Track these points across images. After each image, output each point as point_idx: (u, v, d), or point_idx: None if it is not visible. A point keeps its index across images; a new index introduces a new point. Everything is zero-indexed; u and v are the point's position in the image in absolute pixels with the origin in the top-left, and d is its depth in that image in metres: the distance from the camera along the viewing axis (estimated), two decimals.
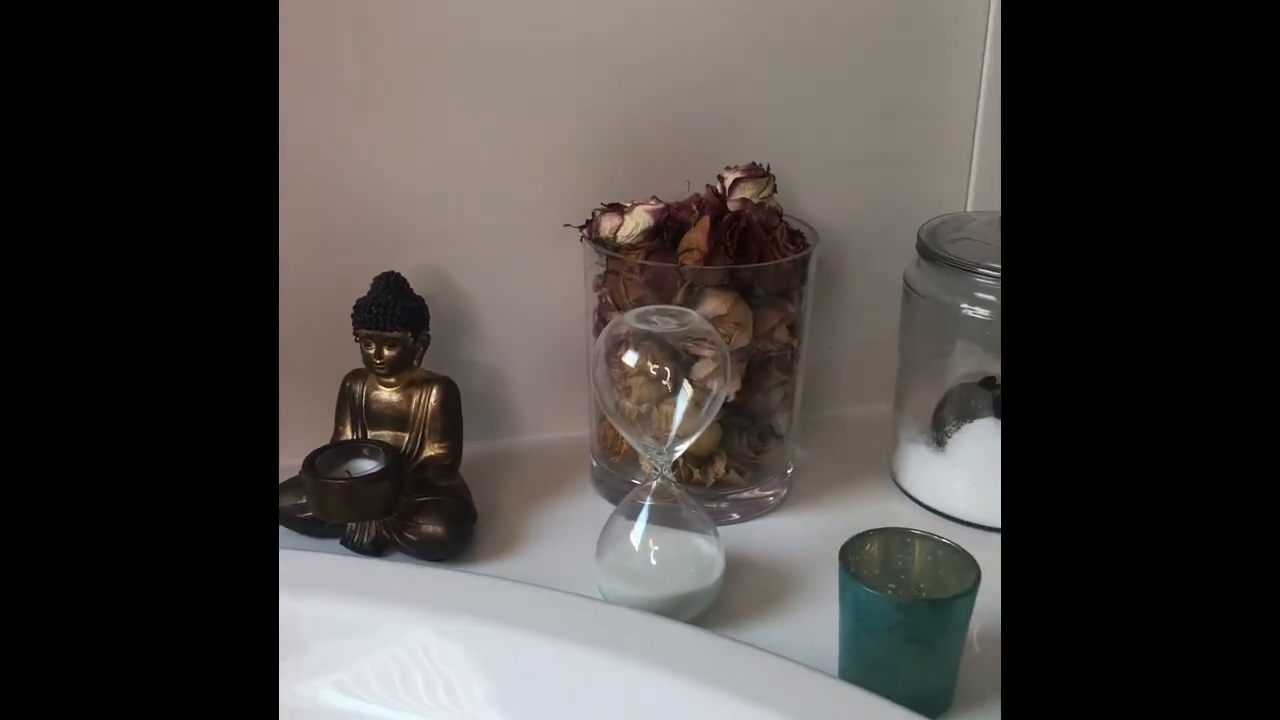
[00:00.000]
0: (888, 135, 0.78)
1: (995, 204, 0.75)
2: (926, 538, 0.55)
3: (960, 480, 0.70)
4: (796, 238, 0.69)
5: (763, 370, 0.69)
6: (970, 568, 0.53)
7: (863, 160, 0.78)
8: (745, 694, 0.51)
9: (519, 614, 0.56)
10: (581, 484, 0.74)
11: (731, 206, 0.67)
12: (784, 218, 0.70)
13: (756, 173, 0.69)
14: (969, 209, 0.80)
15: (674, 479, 0.62)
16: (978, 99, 0.79)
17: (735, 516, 0.70)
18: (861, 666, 0.53)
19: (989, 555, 0.67)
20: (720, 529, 0.64)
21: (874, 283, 0.79)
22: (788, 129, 0.76)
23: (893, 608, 0.51)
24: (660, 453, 0.61)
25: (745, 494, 0.71)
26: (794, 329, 0.69)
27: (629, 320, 0.58)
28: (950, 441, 0.70)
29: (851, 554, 0.54)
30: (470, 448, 0.70)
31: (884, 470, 0.76)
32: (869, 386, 0.81)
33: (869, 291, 0.80)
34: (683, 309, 0.60)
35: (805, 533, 0.70)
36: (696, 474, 0.69)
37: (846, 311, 0.81)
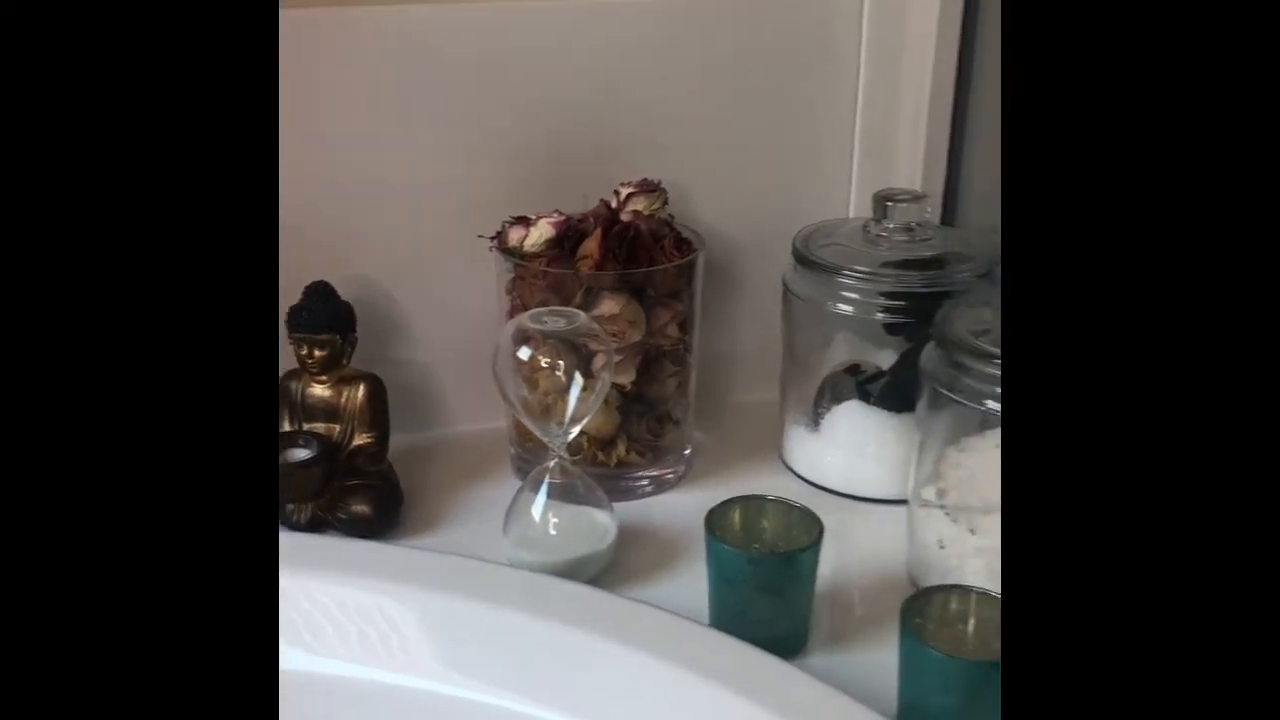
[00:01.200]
0: (771, 148, 0.87)
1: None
2: (779, 502, 0.64)
3: (833, 455, 0.79)
4: (684, 244, 0.78)
5: (657, 363, 0.78)
6: (815, 524, 0.62)
7: (748, 172, 0.87)
8: (631, 642, 0.60)
9: (436, 578, 0.64)
10: (502, 470, 0.82)
11: (625, 218, 0.76)
12: (675, 226, 0.79)
13: (648, 187, 0.78)
14: (851, 215, 0.89)
15: (570, 459, 0.71)
16: (855, 109, 0.88)
17: (648, 488, 0.79)
18: (726, 615, 0.62)
19: (855, 519, 0.77)
20: (625, 504, 0.73)
21: (761, 284, 0.88)
22: (682, 145, 0.85)
23: (745, 561, 0.60)
24: (557, 435, 0.69)
25: (647, 473, 0.80)
26: (684, 326, 0.78)
27: (524, 321, 0.67)
28: (824, 422, 0.79)
29: (716, 519, 0.63)
30: (400, 439, 0.79)
31: (773, 450, 0.85)
32: (759, 377, 0.89)
33: (756, 292, 0.89)
34: (573, 310, 0.69)
35: (698, 506, 0.77)
36: (601, 456, 0.78)
37: (737, 310, 0.90)
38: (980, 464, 0.66)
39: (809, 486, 0.81)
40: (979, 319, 0.66)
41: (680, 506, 0.79)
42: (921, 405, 0.69)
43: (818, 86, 0.86)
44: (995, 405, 0.62)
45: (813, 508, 0.63)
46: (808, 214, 0.85)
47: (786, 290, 0.81)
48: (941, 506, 0.67)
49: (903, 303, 0.75)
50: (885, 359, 0.79)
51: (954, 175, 0.90)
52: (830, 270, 0.76)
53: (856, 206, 0.89)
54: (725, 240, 0.87)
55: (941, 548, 0.66)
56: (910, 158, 0.88)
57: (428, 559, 0.66)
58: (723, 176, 0.86)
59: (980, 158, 0.90)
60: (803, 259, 0.78)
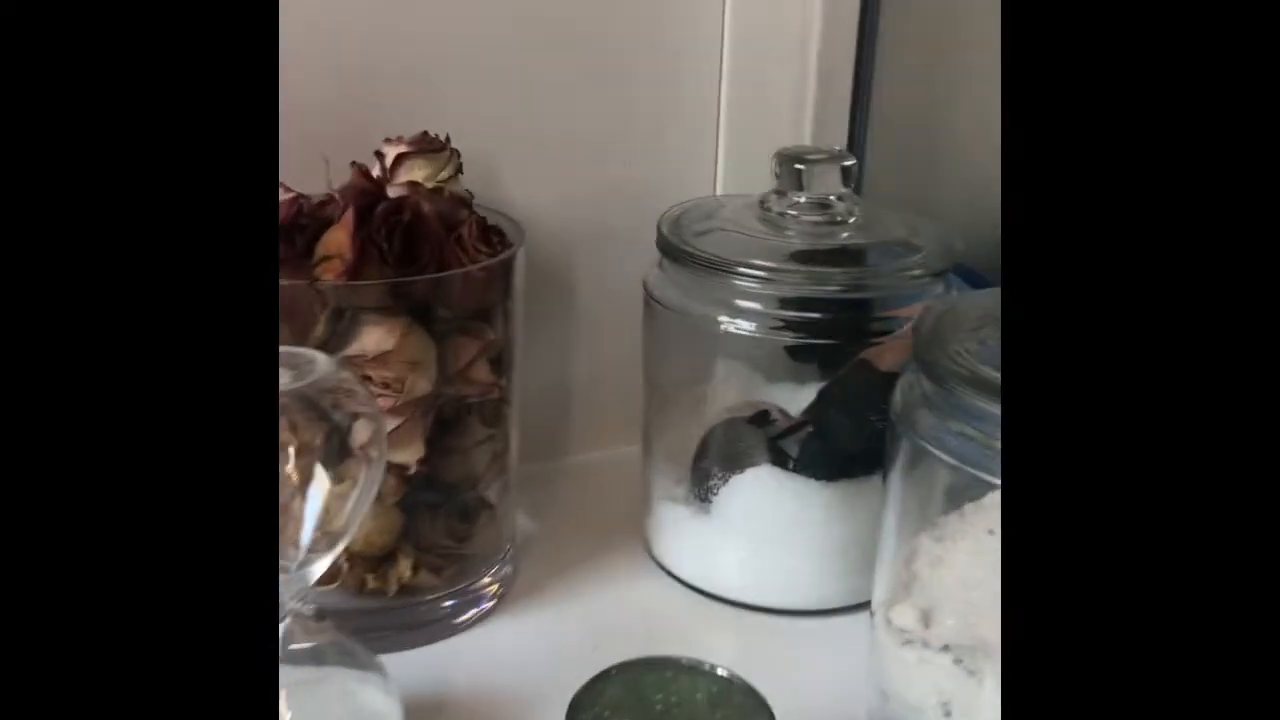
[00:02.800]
0: (608, 103, 0.60)
1: (748, 186, 0.59)
2: (696, 671, 0.37)
3: (730, 549, 0.53)
4: (493, 236, 0.50)
5: (459, 424, 0.49)
6: (760, 712, 0.35)
7: (579, 137, 0.60)
8: None
9: None
10: None
11: (392, 193, 0.47)
12: (475, 208, 0.50)
13: (430, 146, 0.49)
14: (719, 193, 0.63)
15: (309, 611, 0.41)
16: (720, 63, 0.62)
17: (453, 619, 0.50)
18: None
19: (777, 646, 0.51)
20: (414, 656, 0.44)
21: (610, 291, 0.61)
22: (487, 99, 0.57)
23: None
24: (294, 565, 0.39)
25: (447, 597, 0.51)
26: (499, 363, 0.50)
27: None
28: (716, 498, 0.53)
29: (585, 710, 0.35)
30: None
31: (637, 537, 0.58)
32: (613, 426, 0.62)
33: (604, 303, 0.62)
34: (309, 353, 0.39)
35: (533, 643, 0.51)
36: (372, 581, 0.49)
37: (577, 331, 0.63)
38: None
39: (694, 594, 0.54)
40: (975, 333, 0.42)
41: (503, 645, 0.51)
42: (896, 469, 0.44)
43: (670, 22, 0.60)
44: None
45: (705, 628, 0.39)
46: (658, 192, 0.59)
47: (650, 299, 0.54)
48: (943, 648, 0.42)
49: (817, 315, 0.50)
50: (791, 398, 0.53)
51: (858, 138, 0.65)
52: (716, 267, 0.50)
53: (725, 181, 0.64)
54: (553, 231, 0.59)
55: (948, 714, 0.41)
56: (794, 116, 0.63)
57: None
58: (543, 142, 0.59)
59: (895, 113, 0.66)
60: (673, 251, 0.51)
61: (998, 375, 0.38)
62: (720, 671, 0.37)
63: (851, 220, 0.53)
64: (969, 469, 0.39)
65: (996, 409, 0.37)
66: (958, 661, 0.41)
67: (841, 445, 0.51)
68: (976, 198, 0.74)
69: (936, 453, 0.40)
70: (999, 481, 0.38)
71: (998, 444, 0.38)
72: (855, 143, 0.65)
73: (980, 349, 0.40)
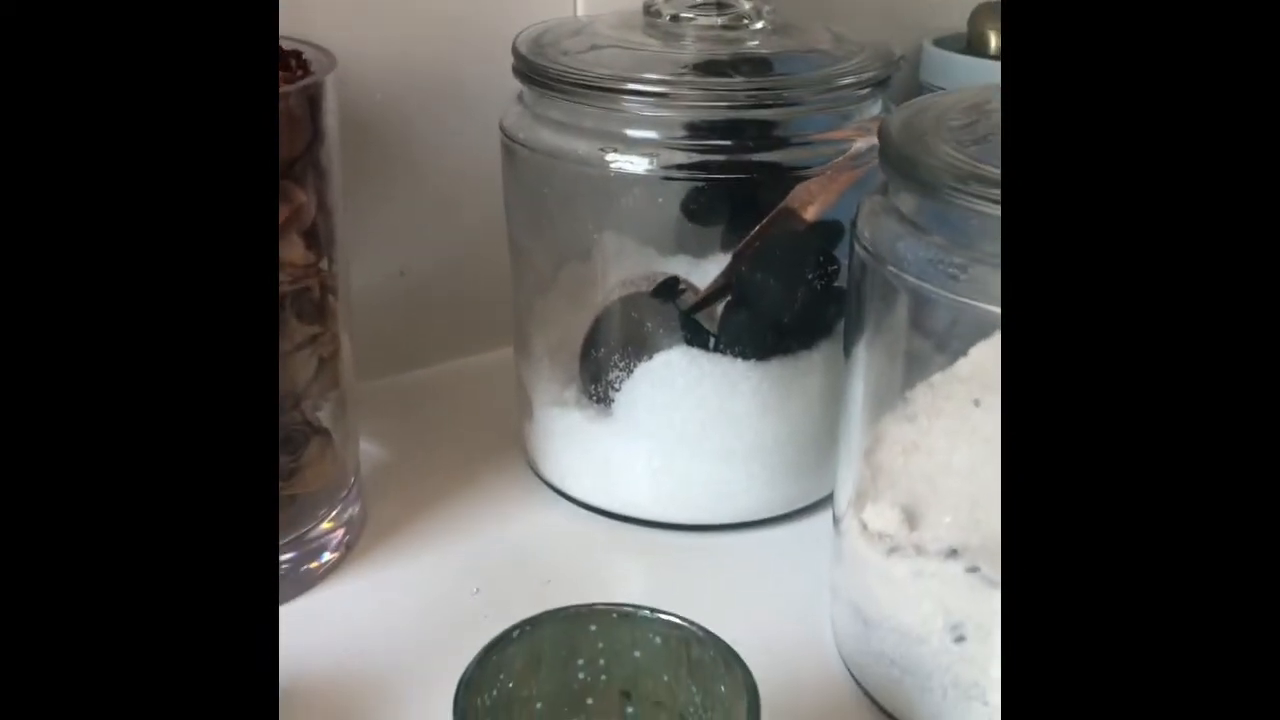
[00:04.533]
0: None
1: (614, 5, 0.46)
2: (632, 620, 0.25)
3: (640, 457, 0.42)
4: (292, 61, 0.37)
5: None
6: (734, 666, 0.24)
7: None
8: None
9: None
10: None
11: None
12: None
13: None
14: (580, 14, 0.51)
15: None
16: None
17: (283, 571, 0.37)
18: None
19: (708, 571, 0.40)
20: None
21: (458, 149, 0.48)
22: None
23: None
24: None
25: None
26: (314, 236, 0.37)
27: None
28: (618, 395, 0.41)
29: (482, 689, 0.23)
30: None
31: (518, 455, 0.46)
32: (478, 324, 0.50)
33: (451, 165, 0.49)
34: None
35: (397, 598, 0.39)
36: None
37: (421, 204, 0.50)
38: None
39: (598, 516, 0.43)
40: (967, 130, 0.31)
41: (361, 603, 0.39)
42: (866, 329, 0.33)
43: None
44: None
45: (614, 558, 0.37)
46: (515, 13, 0.46)
47: (510, 145, 0.41)
48: (949, 553, 0.31)
49: (728, 142, 0.38)
50: (691, 271, 0.42)
51: None
52: (596, 87, 0.38)
53: (587, 2, 0.51)
54: (380, 77, 0.46)
55: (960, 639, 0.31)
56: None
57: None
58: None
59: None
60: (541, 75, 0.39)
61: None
62: (667, 618, 0.26)
63: (760, 25, 0.41)
64: (983, 305, 0.29)
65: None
66: (972, 569, 0.31)
67: (771, 313, 0.40)
68: (893, 8, 0.63)
69: (936, 291, 0.29)
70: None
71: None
72: None
73: (979, 149, 0.29)
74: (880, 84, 0.40)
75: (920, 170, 0.29)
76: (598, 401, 0.42)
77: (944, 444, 0.34)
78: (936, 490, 0.34)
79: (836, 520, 0.36)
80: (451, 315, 0.52)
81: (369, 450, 0.46)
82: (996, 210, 0.27)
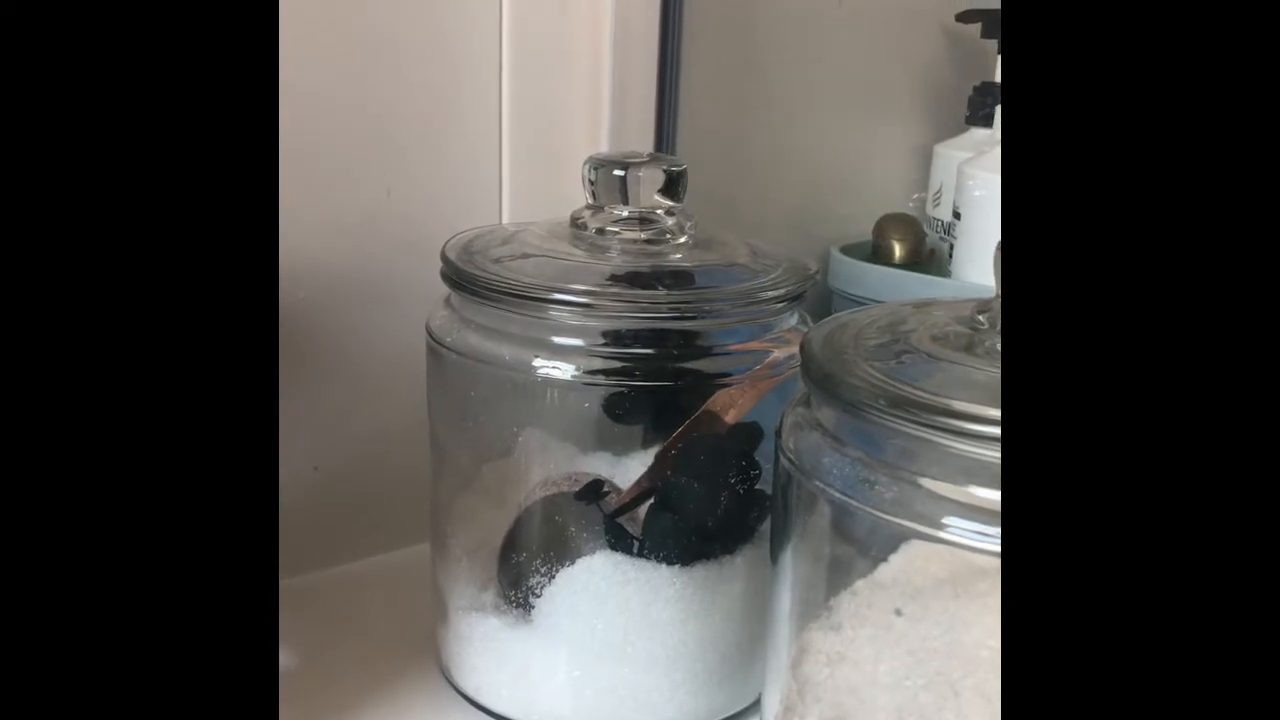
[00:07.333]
0: (387, 121, 0.48)
1: (538, 213, 0.48)
2: None
3: (561, 666, 0.41)
4: None
5: None
6: None
7: (349, 156, 0.48)
8: None
9: None
10: None
11: None
12: None
13: None
14: (505, 222, 0.52)
15: None
16: (499, 71, 0.52)
17: None
18: None
19: None
20: None
21: (381, 345, 0.48)
22: None
23: None
24: None
25: None
26: None
27: None
28: (539, 601, 0.41)
29: None
30: None
31: (432, 663, 0.45)
32: (394, 521, 0.49)
33: (374, 360, 0.49)
34: None
35: None
36: None
37: (339, 398, 0.49)
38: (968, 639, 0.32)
39: None
40: (887, 348, 0.32)
41: None
42: (792, 536, 0.33)
43: (442, 23, 0.49)
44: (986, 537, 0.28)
45: None
46: (447, 219, 0.48)
47: (436, 346, 0.42)
48: None
49: (650, 351, 0.39)
50: (615, 465, 0.42)
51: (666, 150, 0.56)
52: (524, 296, 0.39)
53: (511, 209, 0.53)
54: (305, 270, 0.47)
55: None
56: (589, 127, 0.54)
57: None
58: (296, 158, 0.46)
59: (705, 122, 0.58)
60: (468, 282, 0.40)
61: (942, 398, 0.28)
62: None
63: (682, 240, 0.43)
64: (904, 522, 0.29)
65: (949, 440, 0.27)
66: None
67: (695, 516, 0.40)
68: (802, 220, 0.66)
69: (858, 505, 0.30)
70: (951, 536, 0.28)
71: (947, 484, 0.28)
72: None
73: (896, 366, 0.31)
74: (796, 298, 0.42)
75: (842, 389, 0.30)
76: (518, 607, 0.41)
77: (869, 653, 0.34)
78: (863, 702, 0.33)
79: None
80: (368, 510, 0.51)
81: (281, 660, 0.43)
82: (915, 429, 0.28)
